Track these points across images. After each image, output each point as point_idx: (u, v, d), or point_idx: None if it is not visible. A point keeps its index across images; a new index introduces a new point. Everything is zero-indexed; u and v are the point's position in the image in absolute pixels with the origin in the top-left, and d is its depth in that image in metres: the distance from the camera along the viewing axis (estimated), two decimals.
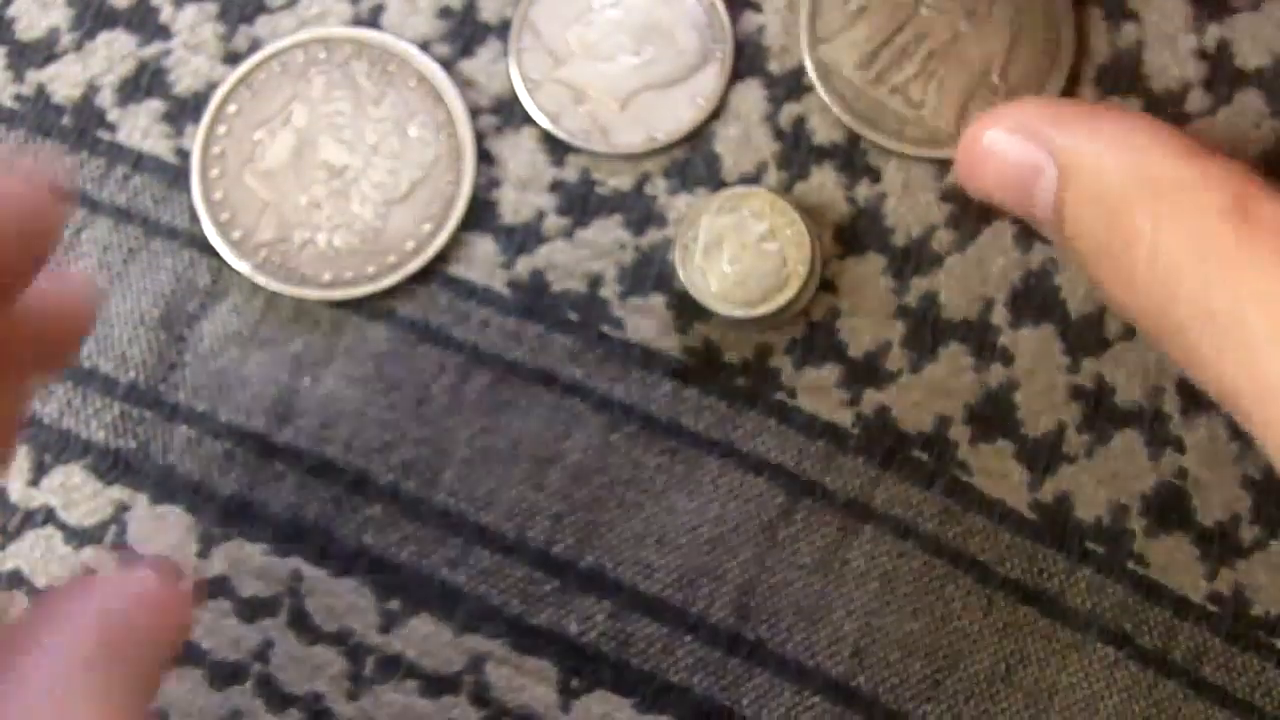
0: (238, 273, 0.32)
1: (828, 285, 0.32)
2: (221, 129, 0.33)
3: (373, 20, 0.34)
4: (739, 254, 0.31)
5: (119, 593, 0.23)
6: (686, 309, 0.32)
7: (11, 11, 0.34)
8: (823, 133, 0.32)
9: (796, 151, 0.32)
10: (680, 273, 0.31)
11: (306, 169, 0.33)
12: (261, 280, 0.32)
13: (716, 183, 0.32)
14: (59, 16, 0.34)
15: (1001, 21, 0.32)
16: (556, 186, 0.33)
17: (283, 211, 0.32)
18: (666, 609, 0.31)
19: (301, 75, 0.33)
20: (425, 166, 0.32)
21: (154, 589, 0.23)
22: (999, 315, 0.32)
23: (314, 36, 0.33)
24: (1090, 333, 0.32)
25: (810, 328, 0.32)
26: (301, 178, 0.33)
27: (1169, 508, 0.31)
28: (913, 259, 0.32)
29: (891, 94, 0.32)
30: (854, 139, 0.32)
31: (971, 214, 0.32)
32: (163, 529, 0.32)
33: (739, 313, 0.31)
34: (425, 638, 0.31)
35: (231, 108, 0.33)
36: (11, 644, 0.21)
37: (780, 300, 0.31)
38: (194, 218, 0.33)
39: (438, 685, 0.31)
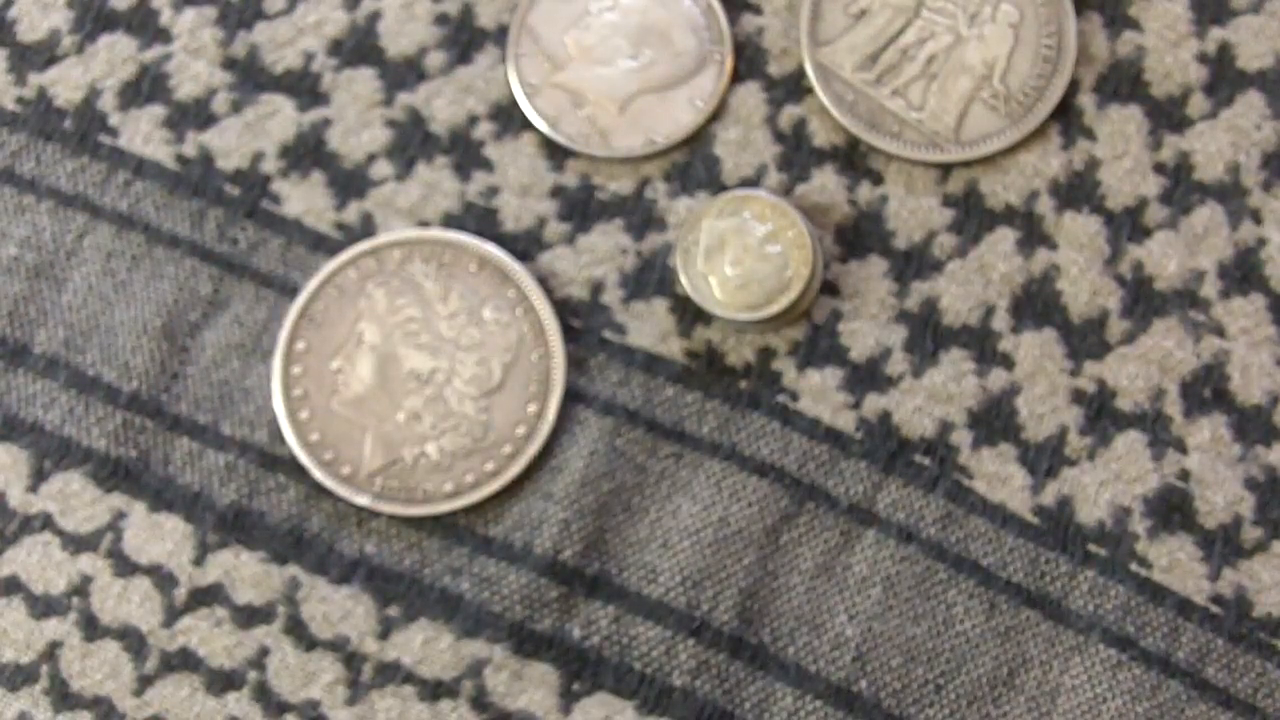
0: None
1: (829, 288, 0.33)
2: (297, 369, 0.33)
3: (369, 28, 0.34)
4: (741, 257, 0.32)
5: None
6: (688, 313, 0.33)
7: (12, 13, 0.35)
8: (823, 135, 0.33)
9: (797, 154, 0.33)
10: (682, 277, 0.32)
11: (395, 384, 0.32)
12: (387, 509, 0.32)
13: (717, 186, 0.33)
14: (60, 19, 0.35)
15: (1003, 26, 0.33)
16: (557, 192, 0.33)
17: (384, 433, 0.32)
18: (669, 612, 0.31)
19: (360, 293, 0.33)
20: (512, 348, 0.32)
21: None
22: (1000, 320, 0.32)
23: (358, 252, 0.33)
24: (1092, 336, 0.32)
25: (812, 330, 0.33)
26: (392, 394, 0.32)
27: (1172, 509, 0.32)
28: (914, 263, 0.33)
29: (892, 97, 0.33)
30: (854, 142, 0.33)
31: (974, 219, 0.33)
32: (158, 536, 0.32)
33: (743, 316, 0.32)
34: (424, 644, 0.32)
35: (300, 345, 0.33)
36: None
37: (783, 302, 0.32)
38: (298, 470, 0.32)
39: (435, 690, 0.31)
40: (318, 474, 0.32)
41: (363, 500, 0.32)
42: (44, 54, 0.34)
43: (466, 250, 0.33)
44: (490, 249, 0.33)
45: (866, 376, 0.32)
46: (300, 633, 0.32)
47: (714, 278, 0.32)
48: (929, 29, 0.33)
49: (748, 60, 0.34)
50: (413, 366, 0.32)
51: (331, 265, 0.33)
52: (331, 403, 0.32)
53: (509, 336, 0.32)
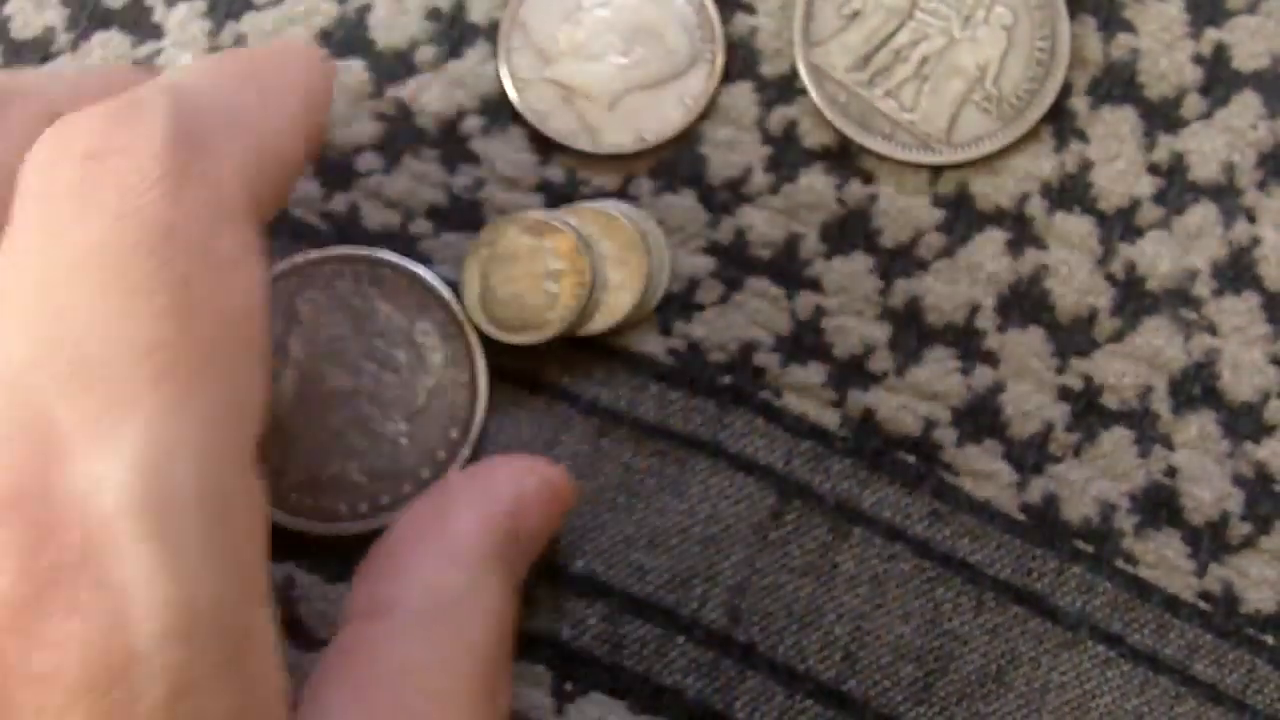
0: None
1: (813, 284, 0.33)
2: None
3: (359, 21, 0.34)
4: (520, 277, 0.32)
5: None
6: (671, 310, 0.33)
7: (7, 10, 0.35)
8: (813, 136, 0.34)
9: (786, 154, 0.34)
10: (466, 266, 0.33)
11: (317, 401, 0.33)
12: (301, 525, 0.32)
13: (702, 184, 0.34)
14: (54, 16, 0.35)
15: (996, 29, 0.34)
16: (543, 186, 0.34)
17: (302, 449, 0.32)
18: (658, 611, 0.32)
19: (291, 306, 0.33)
20: (436, 371, 0.33)
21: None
22: (986, 318, 0.33)
23: (290, 266, 0.33)
24: (1080, 334, 0.33)
25: (796, 326, 0.33)
26: (314, 411, 0.32)
27: (1159, 505, 0.32)
28: (900, 261, 0.33)
29: (884, 98, 0.33)
30: (845, 142, 0.34)
31: (963, 220, 0.33)
32: None
33: (482, 322, 0.32)
34: None
35: None
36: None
37: (525, 337, 0.32)
38: None
39: None
40: None
41: (278, 516, 0.32)
42: (38, 51, 0.35)
43: (398, 269, 0.33)
44: (421, 270, 0.33)
45: (851, 373, 0.33)
46: (297, 630, 0.32)
47: (485, 279, 0.33)
48: (922, 31, 0.34)
49: (741, 60, 0.34)
50: (336, 384, 0.33)
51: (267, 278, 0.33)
52: None
53: (434, 359, 0.33)
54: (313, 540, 0.32)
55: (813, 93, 0.34)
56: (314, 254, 0.33)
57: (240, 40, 0.35)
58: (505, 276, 0.32)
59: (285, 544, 0.32)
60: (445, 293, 0.33)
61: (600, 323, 0.33)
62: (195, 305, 0.22)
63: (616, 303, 0.33)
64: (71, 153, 0.23)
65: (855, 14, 0.34)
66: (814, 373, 0.33)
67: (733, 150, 0.34)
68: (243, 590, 0.22)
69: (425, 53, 0.34)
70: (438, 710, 0.26)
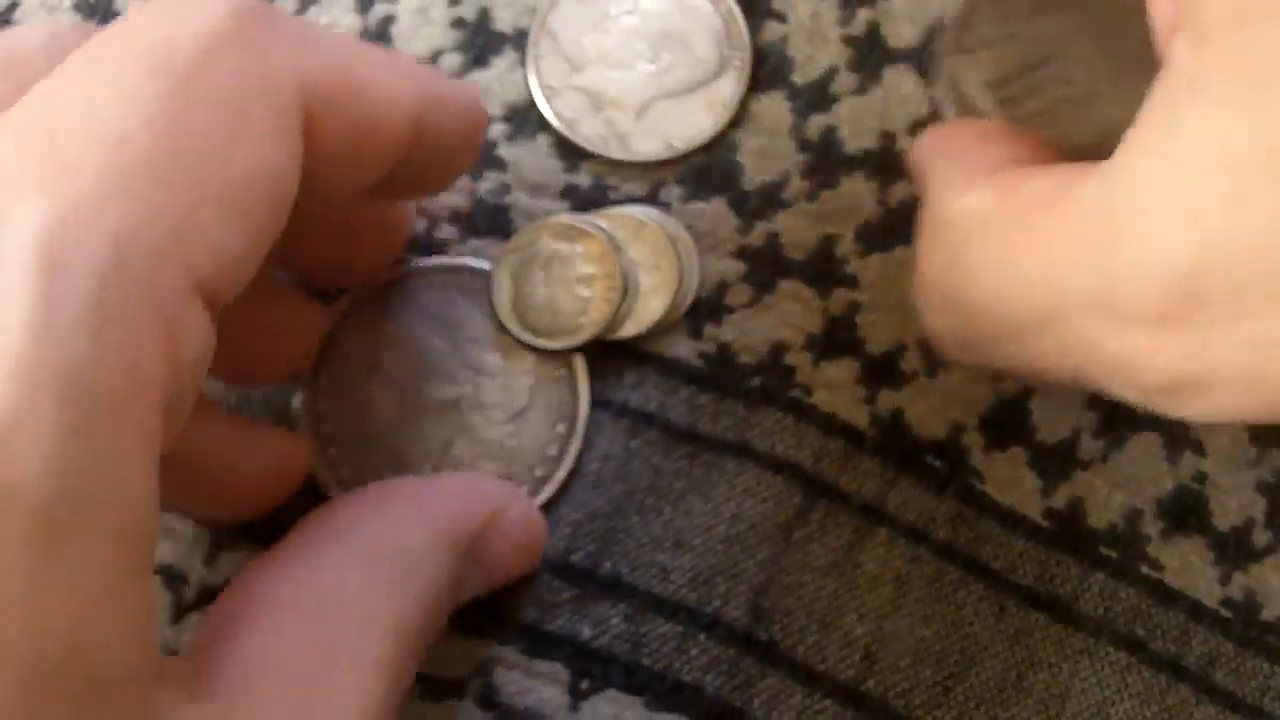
0: None
1: (849, 280, 0.33)
2: (324, 406, 0.33)
3: (382, 32, 0.35)
4: (553, 282, 0.33)
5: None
6: (700, 315, 0.33)
7: (18, 15, 0.36)
8: (854, 142, 0.34)
9: (825, 160, 0.34)
10: (498, 270, 0.33)
11: (421, 415, 0.33)
12: None
13: (736, 191, 0.34)
14: (65, 21, 0.35)
15: (1137, 97, 0.32)
16: (568, 192, 0.34)
17: (414, 464, 0.33)
18: (681, 608, 0.32)
19: (377, 320, 0.33)
20: (532, 369, 0.33)
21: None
22: None
23: (376, 285, 0.33)
24: None
25: (829, 323, 0.33)
26: (421, 425, 0.33)
27: (1186, 512, 0.32)
28: None
29: (1011, 123, 0.32)
30: (887, 145, 0.34)
31: None
32: (171, 536, 0.33)
33: (514, 328, 0.33)
34: (432, 646, 0.32)
35: (324, 380, 0.33)
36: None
37: (558, 343, 0.33)
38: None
39: (442, 689, 0.32)
40: None
41: None
42: None
43: (478, 273, 0.33)
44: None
45: (882, 371, 0.33)
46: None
47: (517, 285, 0.33)
48: (1070, 72, 0.32)
49: (770, 68, 0.34)
50: (437, 396, 0.33)
51: (350, 298, 0.33)
52: (362, 440, 0.33)
53: (529, 358, 0.33)
54: None
55: (946, 97, 0.33)
56: (399, 269, 0.34)
57: None
58: (537, 282, 0.33)
59: None
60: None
61: (632, 328, 0.33)
62: None
63: (648, 308, 0.33)
64: None
65: (1010, 35, 0.33)
66: (845, 369, 0.33)
67: (767, 157, 0.34)
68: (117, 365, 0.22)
69: (450, 61, 0.35)
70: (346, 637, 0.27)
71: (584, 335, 0.33)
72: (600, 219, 0.33)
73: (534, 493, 0.32)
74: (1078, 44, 0.32)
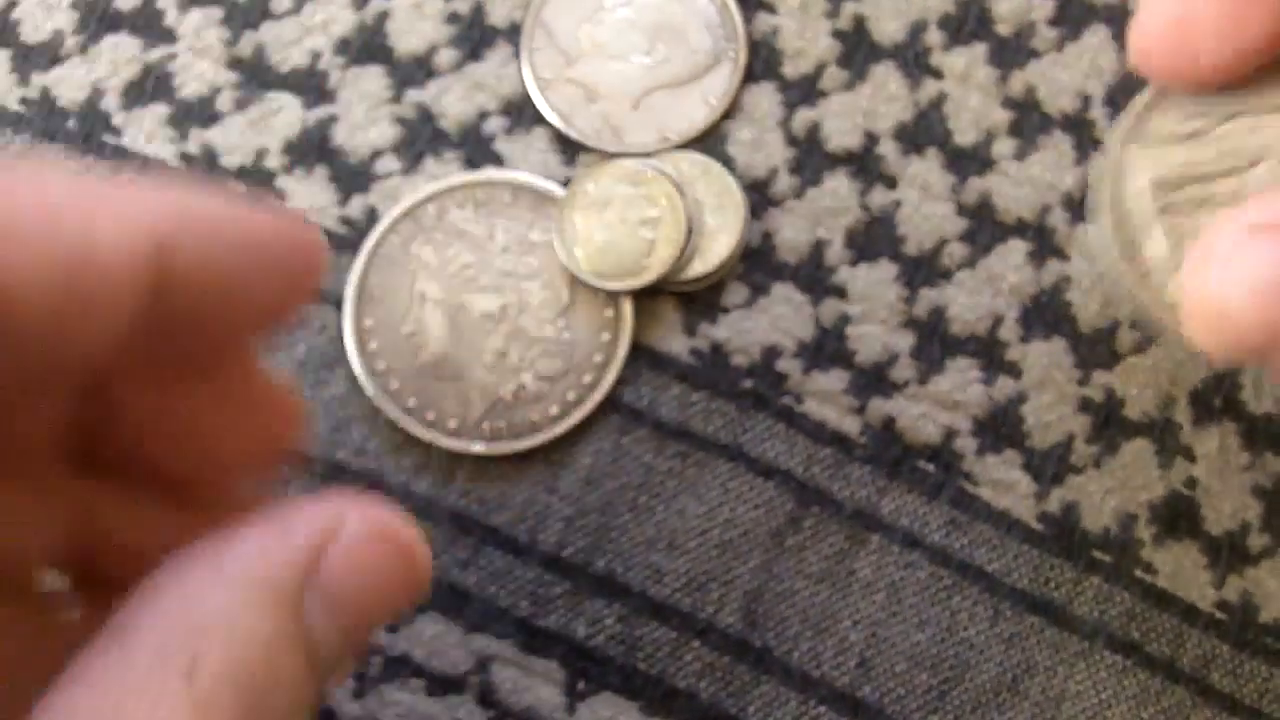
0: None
1: (838, 291, 0.33)
2: (373, 345, 0.33)
3: (378, 28, 0.34)
4: (615, 224, 0.33)
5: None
6: (694, 310, 0.33)
7: (16, 14, 0.35)
8: (837, 140, 0.34)
9: (809, 158, 0.34)
10: (562, 212, 0.33)
11: (471, 331, 0.33)
12: (503, 449, 0.33)
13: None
14: (63, 20, 0.35)
15: None
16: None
17: (477, 378, 0.33)
18: (675, 613, 0.32)
19: (408, 255, 0.33)
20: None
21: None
22: (1009, 330, 0.33)
23: (394, 219, 0.33)
24: (1102, 346, 0.33)
25: (820, 332, 0.33)
26: (473, 341, 0.33)
27: (1179, 516, 0.32)
28: (924, 270, 0.33)
29: (1158, 229, 0.28)
30: (869, 146, 0.34)
31: (986, 229, 0.33)
32: None
33: (583, 273, 0.33)
34: (433, 638, 0.32)
35: (368, 322, 0.33)
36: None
37: (627, 284, 0.33)
38: (408, 440, 0.33)
39: (443, 685, 0.32)
40: (429, 435, 0.33)
41: (478, 448, 0.33)
42: (47, 54, 0.35)
43: (496, 184, 0.34)
44: (518, 176, 0.33)
45: (872, 381, 0.33)
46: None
47: (585, 227, 0.33)
48: (1244, 194, 0.27)
49: (762, 60, 0.34)
50: (483, 309, 0.33)
51: (373, 237, 0.33)
52: (416, 366, 0.33)
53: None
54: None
55: (1104, 177, 0.28)
56: (407, 201, 0.34)
57: (259, 49, 0.34)
58: (600, 223, 0.33)
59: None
60: (549, 187, 0.33)
61: (699, 266, 0.33)
62: None
63: (714, 248, 0.33)
64: None
65: (1194, 133, 0.28)
66: (835, 379, 0.33)
67: (758, 150, 0.34)
68: None
69: (445, 56, 0.34)
70: None
71: (648, 277, 0.33)
72: (666, 162, 0.33)
73: (596, 384, 0.33)
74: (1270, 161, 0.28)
